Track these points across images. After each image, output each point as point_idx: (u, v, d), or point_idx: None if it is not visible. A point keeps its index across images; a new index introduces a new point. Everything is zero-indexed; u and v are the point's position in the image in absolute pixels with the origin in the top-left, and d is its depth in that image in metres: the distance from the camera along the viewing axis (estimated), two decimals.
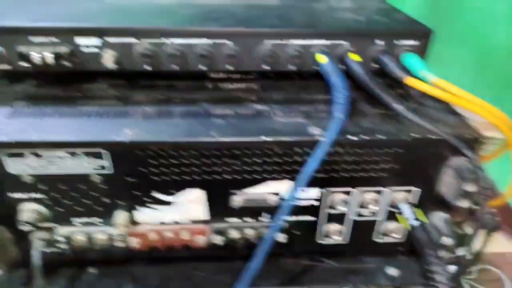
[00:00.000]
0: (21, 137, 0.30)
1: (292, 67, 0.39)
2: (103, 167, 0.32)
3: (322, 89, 0.38)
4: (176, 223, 0.36)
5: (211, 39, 0.36)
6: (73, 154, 0.31)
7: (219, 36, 0.36)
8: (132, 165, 0.32)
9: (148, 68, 0.37)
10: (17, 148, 0.30)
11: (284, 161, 0.33)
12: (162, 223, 0.36)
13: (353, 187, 0.35)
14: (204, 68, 0.38)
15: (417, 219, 0.35)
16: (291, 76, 0.42)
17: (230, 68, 0.38)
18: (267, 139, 0.31)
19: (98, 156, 0.31)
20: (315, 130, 0.32)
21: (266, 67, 0.39)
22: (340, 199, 0.35)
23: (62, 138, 0.30)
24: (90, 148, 0.31)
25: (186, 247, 0.37)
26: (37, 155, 0.31)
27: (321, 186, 0.35)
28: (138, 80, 0.40)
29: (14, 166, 0.31)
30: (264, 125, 0.33)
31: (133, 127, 0.32)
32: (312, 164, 0.31)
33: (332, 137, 0.31)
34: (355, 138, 0.32)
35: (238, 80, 0.42)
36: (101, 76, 0.40)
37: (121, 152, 0.31)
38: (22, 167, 0.31)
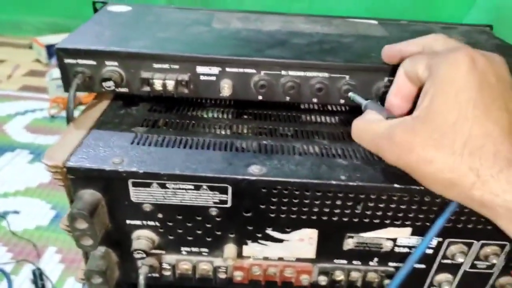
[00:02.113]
0: (152, 169, 0.30)
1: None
2: (223, 201, 0.31)
3: None
4: (281, 259, 0.35)
5: (330, 73, 0.36)
6: (198, 187, 0.31)
7: (339, 70, 0.36)
8: (252, 201, 0.32)
9: (261, 98, 0.37)
10: (146, 178, 0.30)
11: (409, 208, 0.31)
12: (266, 258, 0.35)
13: (475, 238, 0.33)
14: (316, 101, 0.37)
15: None
16: None
17: (343, 102, 0.37)
18: (400, 186, 0.30)
19: (222, 191, 0.31)
20: None
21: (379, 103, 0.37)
22: (460, 250, 0.33)
23: (191, 172, 0.30)
24: (217, 183, 0.30)
25: (288, 284, 0.36)
26: (163, 186, 0.31)
27: (441, 235, 0.33)
28: (246, 109, 0.40)
29: (138, 195, 0.31)
30: (391, 170, 0.31)
31: (257, 163, 0.31)
32: (446, 215, 0.30)
33: None
34: None
35: (343, 113, 0.41)
36: (211, 103, 0.40)
37: (245, 189, 0.31)
38: (146, 196, 0.31)
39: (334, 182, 0.30)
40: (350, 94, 0.35)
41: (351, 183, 0.30)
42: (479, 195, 0.25)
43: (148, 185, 0.31)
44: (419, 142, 0.26)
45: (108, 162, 0.30)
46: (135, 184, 0.31)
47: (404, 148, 0.27)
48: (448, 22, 0.50)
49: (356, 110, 0.42)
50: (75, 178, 0.30)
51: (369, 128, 0.31)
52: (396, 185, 0.30)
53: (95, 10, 0.47)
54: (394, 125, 0.28)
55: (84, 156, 0.31)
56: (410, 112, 0.30)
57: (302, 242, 0.34)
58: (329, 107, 0.41)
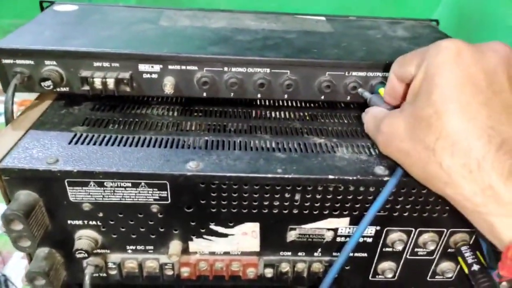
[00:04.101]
0: (88, 167, 0.30)
1: (349, 98, 0.38)
2: (163, 198, 0.32)
3: None
4: (226, 253, 0.36)
5: (271, 68, 0.36)
6: (136, 185, 0.31)
7: (279, 66, 0.36)
8: (192, 197, 0.32)
9: (205, 94, 0.37)
10: (82, 177, 0.30)
11: (345, 198, 0.32)
12: (212, 253, 0.35)
13: (412, 226, 0.34)
14: (260, 96, 0.38)
15: (477, 262, 0.34)
16: (341, 104, 0.41)
17: (286, 97, 0.38)
18: (334, 177, 0.31)
19: (161, 187, 0.31)
20: (381, 171, 0.31)
21: (322, 98, 0.38)
22: (399, 238, 0.35)
23: (127, 170, 0.30)
24: (155, 180, 0.30)
25: (235, 278, 0.37)
26: (101, 185, 0.31)
27: (379, 224, 0.34)
28: (192, 105, 0.40)
29: (76, 194, 0.31)
30: (328, 162, 0.32)
31: (196, 159, 0.31)
32: (378, 204, 0.31)
33: (399, 179, 0.30)
34: None
35: (289, 107, 0.41)
36: (156, 101, 0.40)
37: (183, 185, 0.31)
38: (84, 195, 0.31)
39: (270, 175, 0.31)
40: (359, 90, 0.37)
41: (286, 176, 0.30)
42: (451, 194, 0.24)
43: (85, 184, 0.31)
44: (399, 134, 0.27)
45: (43, 162, 0.30)
46: (71, 184, 0.30)
47: (388, 139, 0.29)
48: (415, 17, 0.52)
49: (302, 105, 0.43)
50: (10, 179, 0.30)
51: (372, 119, 0.33)
52: (330, 176, 0.31)
53: (42, 10, 0.46)
54: (382, 117, 0.30)
55: (18, 156, 0.30)
56: None
57: (246, 236, 0.34)
58: (274, 102, 0.42)
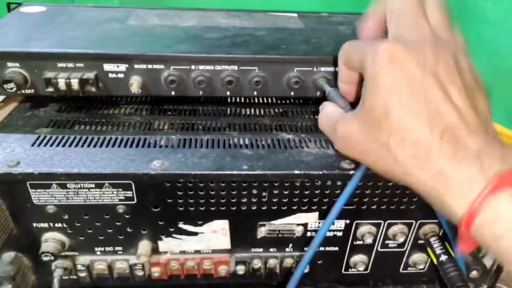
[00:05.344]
0: (49, 169, 0.29)
1: (319, 94, 0.38)
2: (129, 198, 0.31)
3: None
4: (197, 252, 0.35)
5: (239, 66, 0.36)
6: (100, 185, 0.30)
7: (247, 63, 0.36)
8: (159, 196, 0.32)
9: (174, 93, 0.37)
10: (44, 180, 0.30)
11: (313, 193, 0.32)
12: (183, 252, 0.35)
13: (381, 219, 0.35)
14: (229, 94, 0.37)
15: (445, 252, 0.35)
16: (312, 101, 0.42)
17: (256, 94, 0.38)
18: (300, 172, 0.31)
19: (125, 187, 0.31)
20: (347, 164, 0.31)
21: (292, 94, 0.38)
22: (368, 230, 0.35)
23: (89, 170, 0.30)
24: (119, 180, 0.30)
25: (208, 276, 0.36)
26: (63, 187, 0.30)
27: (348, 217, 0.34)
28: (161, 105, 0.40)
29: (40, 197, 0.31)
30: (295, 157, 0.32)
31: (161, 158, 0.31)
32: (344, 198, 0.31)
33: (363, 172, 0.30)
34: None
35: (261, 104, 0.41)
36: (125, 100, 0.40)
37: (149, 184, 0.31)
38: (48, 198, 0.31)
39: (235, 172, 0.30)
40: (319, 81, 0.36)
41: (252, 172, 0.30)
42: (411, 182, 0.26)
43: (47, 186, 0.30)
44: (357, 137, 0.28)
45: (3, 165, 0.29)
46: (33, 186, 0.30)
47: (345, 141, 0.29)
48: None
49: (272, 101, 0.43)
50: None
51: (326, 120, 0.33)
52: (296, 171, 0.31)
53: (9, 11, 0.46)
54: (336, 121, 0.30)
55: None
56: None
57: (216, 234, 0.34)
58: (243, 99, 0.42)
